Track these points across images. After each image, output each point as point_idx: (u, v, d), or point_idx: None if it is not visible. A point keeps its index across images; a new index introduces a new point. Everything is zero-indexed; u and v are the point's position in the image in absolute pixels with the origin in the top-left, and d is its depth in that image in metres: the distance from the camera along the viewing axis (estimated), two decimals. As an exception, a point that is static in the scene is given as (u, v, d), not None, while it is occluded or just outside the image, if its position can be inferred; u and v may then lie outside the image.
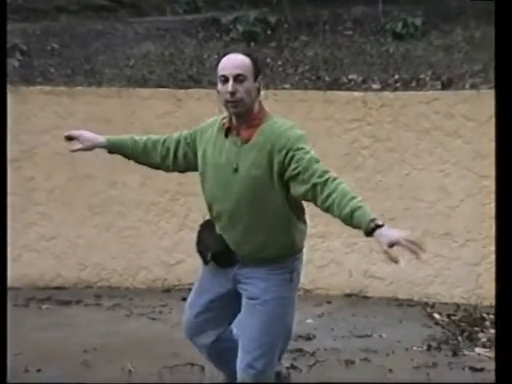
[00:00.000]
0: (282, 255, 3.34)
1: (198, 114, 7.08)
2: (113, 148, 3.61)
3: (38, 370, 4.76)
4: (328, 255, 6.94)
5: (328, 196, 3.02)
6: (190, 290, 6.89)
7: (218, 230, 3.38)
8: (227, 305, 3.42)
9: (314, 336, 5.56)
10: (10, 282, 7.08)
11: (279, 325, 3.31)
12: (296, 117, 7.05)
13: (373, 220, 2.94)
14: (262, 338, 3.25)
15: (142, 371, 4.70)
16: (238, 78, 3.16)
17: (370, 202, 6.95)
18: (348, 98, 6.95)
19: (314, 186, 3.07)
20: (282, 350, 3.50)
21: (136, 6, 9.85)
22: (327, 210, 3.05)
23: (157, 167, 3.60)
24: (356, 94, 7.01)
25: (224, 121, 3.33)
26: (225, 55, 3.29)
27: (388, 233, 2.91)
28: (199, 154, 3.36)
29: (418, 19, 8.14)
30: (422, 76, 7.35)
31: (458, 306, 6.40)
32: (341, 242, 6.91)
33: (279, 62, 8.03)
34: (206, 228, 3.43)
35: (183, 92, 7.22)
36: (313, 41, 8.25)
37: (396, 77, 7.40)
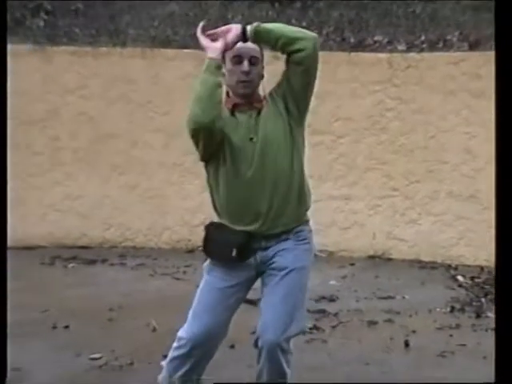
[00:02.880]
0: (303, 220, 3.34)
1: (222, 75, 7.09)
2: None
3: (66, 327, 4.85)
4: (351, 217, 6.95)
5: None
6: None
7: (232, 221, 3.23)
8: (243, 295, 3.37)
9: (337, 297, 5.60)
10: (36, 240, 7.21)
11: (305, 292, 3.33)
12: (320, 78, 7.00)
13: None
14: (295, 303, 3.23)
15: (166, 328, 4.75)
16: (252, 60, 3.20)
17: (393, 165, 6.98)
18: (373, 60, 6.89)
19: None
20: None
21: (160, -35, 9.77)
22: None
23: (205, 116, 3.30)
24: (381, 55, 6.95)
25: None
26: None
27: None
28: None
29: (446, -21, 8.01)
30: (448, 37, 7.25)
31: (481, 268, 6.38)
32: (364, 204, 6.91)
33: (303, 23, 7.93)
34: (215, 228, 3.29)
35: (207, 53, 7.18)
36: (338, 2, 8.15)
37: (422, 38, 7.30)
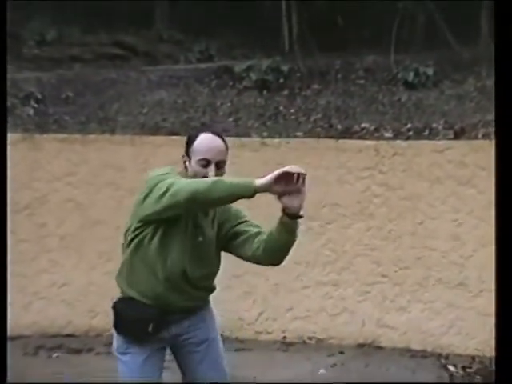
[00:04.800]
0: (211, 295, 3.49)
1: (210, 162, 7.13)
2: None
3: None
4: (340, 303, 6.87)
5: None
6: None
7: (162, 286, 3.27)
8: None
9: (327, 387, 5.49)
10: (19, 330, 7.07)
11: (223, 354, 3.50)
12: (308, 165, 7.06)
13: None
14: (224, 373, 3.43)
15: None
16: (219, 164, 3.22)
17: (382, 251, 6.95)
18: (360, 147, 6.95)
19: None
20: None
21: (149, 54, 9.97)
22: None
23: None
24: (368, 142, 7.02)
25: None
26: (198, 134, 3.30)
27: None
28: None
29: (430, 69, 8.19)
30: (434, 125, 7.36)
31: (472, 358, 6.28)
32: (353, 291, 6.85)
33: (291, 110, 8.07)
34: (125, 305, 3.32)
35: (196, 140, 7.24)
36: (325, 89, 8.30)
37: (408, 125, 7.41)
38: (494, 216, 3.29)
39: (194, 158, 3.22)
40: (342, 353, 6.50)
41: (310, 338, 6.73)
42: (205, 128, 3.42)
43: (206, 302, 3.46)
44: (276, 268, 6.93)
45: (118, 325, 3.30)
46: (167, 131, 7.65)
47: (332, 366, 6.08)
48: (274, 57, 8.88)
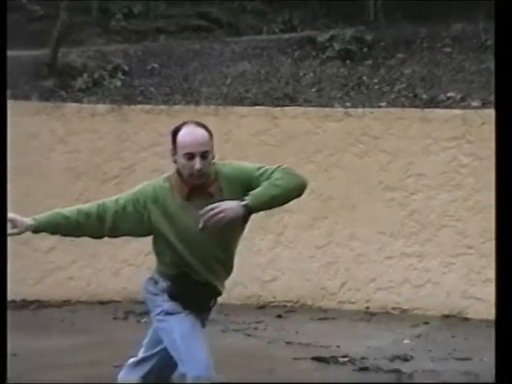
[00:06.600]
0: None
1: (293, 132, 7.13)
2: (43, 228, 3.35)
3: (137, 383, 4.84)
4: (425, 275, 6.81)
5: None
6: (284, 307, 7.03)
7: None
8: None
9: (412, 357, 5.45)
10: (110, 295, 7.30)
11: None
12: (392, 135, 6.99)
13: None
14: None
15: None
16: (204, 155, 3.29)
17: (467, 222, 6.83)
18: (446, 116, 6.83)
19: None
20: None
21: (233, 25, 10.00)
22: None
23: (91, 237, 3.51)
24: (455, 111, 6.89)
25: (169, 184, 3.40)
26: (180, 128, 3.36)
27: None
28: (156, 220, 3.38)
29: (520, 35, 7.94)
30: (523, 93, 7.15)
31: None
32: (438, 262, 6.78)
33: (375, 80, 7.98)
34: (182, 280, 3.41)
35: (279, 110, 7.26)
36: (410, 58, 8.17)
37: (496, 94, 7.24)
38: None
39: (179, 153, 3.31)
40: (426, 323, 6.46)
41: (393, 309, 6.71)
42: (187, 120, 3.44)
43: None
44: (359, 239, 6.96)
45: (182, 293, 3.40)
46: (250, 102, 7.70)
47: (417, 337, 6.05)
48: (358, 26, 8.78)
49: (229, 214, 3.18)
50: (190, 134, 3.32)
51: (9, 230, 3.27)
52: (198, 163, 3.26)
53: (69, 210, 3.37)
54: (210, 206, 3.19)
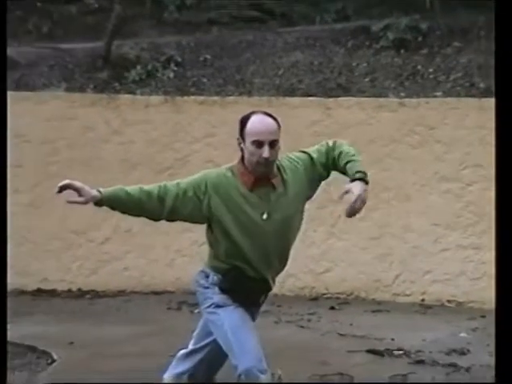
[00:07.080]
0: None
1: (347, 123, 7.07)
2: (107, 201, 3.34)
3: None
4: (482, 267, 6.70)
5: None
6: (338, 298, 6.99)
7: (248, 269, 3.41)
8: None
9: (468, 350, 5.37)
10: (164, 285, 7.35)
11: None
12: (448, 125, 6.88)
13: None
14: None
15: (292, 378, 4.70)
16: (272, 144, 3.29)
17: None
18: (504, 105, 6.69)
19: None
20: None
21: (285, 16, 9.95)
22: None
23: (149, 217, 3.51)
24: (513, 100, 6.75)
25: (232, 173, 3.38)
26: (249, 116, 3.37)
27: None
28: (216, 208, 3.39)
29: None
30: None
31: None
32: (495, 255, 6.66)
33: (430, 70, 7.87)
34: (233, 275, 3.42)
35: (332, 100, 7.21)
36: (466, 47, 8.03)
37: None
38: None
39: (248, 140, 3.30)
40: (483, 317, 6.35)
41: (449, 301, 6.62)
42: (255, 110, 3.44)
43: None
44: (414, 230, 6.88)
45: (233, 288, 3.40)
46: (303, 92, 7.66)
47: (473, 330, 5.95)
48: (413, 15, 8.65)
49: (365, 196, 3.30)
50: (259, 122, 3.33)
51: (75, 198, 3.27)
52: (266, 151, 3.26)
53: (132, 187, 3.37)
54: (354, 193, 3.26)
